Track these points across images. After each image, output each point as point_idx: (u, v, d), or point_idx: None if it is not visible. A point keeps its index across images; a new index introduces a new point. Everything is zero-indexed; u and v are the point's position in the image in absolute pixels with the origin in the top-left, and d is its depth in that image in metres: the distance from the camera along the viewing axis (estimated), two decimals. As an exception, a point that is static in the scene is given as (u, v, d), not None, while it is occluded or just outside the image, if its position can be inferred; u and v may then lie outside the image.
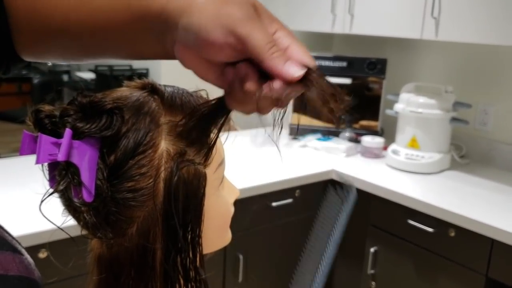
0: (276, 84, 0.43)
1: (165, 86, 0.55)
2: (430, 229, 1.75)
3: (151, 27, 0.45)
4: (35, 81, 5.23)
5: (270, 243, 2.02)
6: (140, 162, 0.49)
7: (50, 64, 6.12)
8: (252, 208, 1.88)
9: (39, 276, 0.44)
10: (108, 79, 3.82)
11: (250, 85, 0.44)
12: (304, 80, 0.43)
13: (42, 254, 1.34)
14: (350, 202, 0.50)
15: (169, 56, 0.47)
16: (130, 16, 0.45)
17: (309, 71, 0.43)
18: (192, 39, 0.43)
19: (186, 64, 0.46)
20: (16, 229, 1.29)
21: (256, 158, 2.14)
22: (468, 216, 1.64)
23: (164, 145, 0.50)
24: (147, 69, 3.74)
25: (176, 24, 0.43)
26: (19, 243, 0.45)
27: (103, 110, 0.48)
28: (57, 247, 1.32)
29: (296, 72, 0.42)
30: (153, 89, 0.53)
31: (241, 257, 1.89)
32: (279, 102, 0.44)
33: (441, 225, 1.72)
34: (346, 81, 2.38)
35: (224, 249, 1.86)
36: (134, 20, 0.45)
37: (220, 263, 1.87)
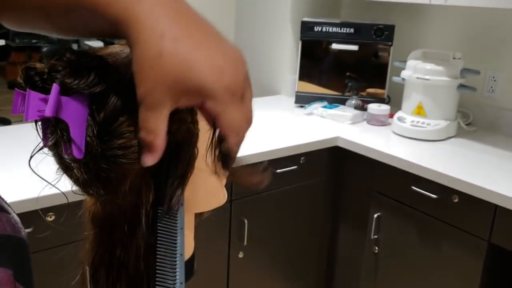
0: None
1: None
2: (433, 196, 1.76)
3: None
4: (44, 49, 5.24)
5: (274, 208, 2.04)
6: (130, 119, 0.48)
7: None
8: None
9: (26, 234, 0.45)
10: (116, 47, 3.81)
11: None
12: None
13: (49, 218, 1.37)
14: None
15: None
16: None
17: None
18: None
19: None
20: (25, 192, 1.32)
21: (262, 125, 2.14)
22: (472, 182, 1.64)
23: None
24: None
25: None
26: (5, 201, 0.46)
27: (92, 65, 0.47)
28: (66, 210, 1.35)
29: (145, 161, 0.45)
30: None
31: (246, 221, 1.91)
32: None
33: (445, 191, 1.72)
34: (353, 47, 2.36)
35: (230, 213, 1.89)
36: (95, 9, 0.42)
37: (225, 227, 1.90)
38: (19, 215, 0.47)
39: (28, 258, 0.44)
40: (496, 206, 1.60)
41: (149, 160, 0.45)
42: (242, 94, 0.44)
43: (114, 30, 0.42)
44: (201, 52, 0.41)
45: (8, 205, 0.46)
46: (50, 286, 1.38)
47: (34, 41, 6.24)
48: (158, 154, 0.45)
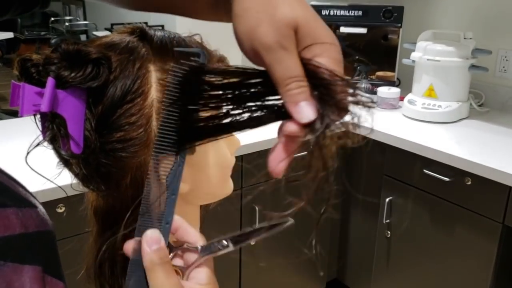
0: (288, 127, 0.41)
1: (155, 30, 0.53)
2: (446, 178, 1.73)
3: None
4: (53, 41, 5.25)
5: (286, 194, 2.03)
6: (128, 111, 0.47)
7: (67, 24, 6.12)
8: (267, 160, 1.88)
9: (51, 223, 0.46)
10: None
11: None
12: (315, 127, 0.39)
13: (60, 210, 1.37)
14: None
15: (223, 20, 0.46)
16: None
17: (323, 119, 0.39)
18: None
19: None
20: (36, 184, 1.32)
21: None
22: (485, 164, 1.61)
23: (155, 93, 0.48)
24: (162, 26, 3.72)
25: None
26: (31, 194, 0.46)
27: (89, 58, 0.45)
28: (75, 202, 1.36)
29: (304, 116, 0.39)
30: (142, 34, 0.51)
31: (257, 209, 1.91)
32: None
33: (457, 174, 1.70)
34: (362, 30, 2.33)
35: (240, 201, 1.88)
36: None
37: (237, 214, 1.90)
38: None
39: (55, 249, 0.46)
40: (510, 187, 1.57)
41: (305, 113, 0.40)
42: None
43: None
44: None
45: (34, 197, 0.47)
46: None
47: (43, 33, 6.27)
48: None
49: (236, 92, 0.42)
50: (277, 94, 0.41)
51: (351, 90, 0.40)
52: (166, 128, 0.42)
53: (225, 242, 0.45)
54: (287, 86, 0.39)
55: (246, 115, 0.43)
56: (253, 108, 0.43)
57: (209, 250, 0.45)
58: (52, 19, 6.33)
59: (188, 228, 0.47)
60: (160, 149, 0.43)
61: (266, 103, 0.42)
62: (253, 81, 0.42)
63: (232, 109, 0.43)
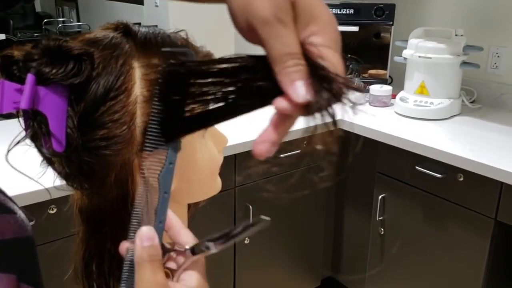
0: (280, 102, 0.39)
1: (139, 26, 0.53)
2: (438, 175, 1.74)
3: None
4: (46, 42, 5.22)
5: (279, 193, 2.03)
6: (112, 108, 0.47)
7: (60, 25, 6.10)
8: (261, 160, 1.88)
9: (31, 228, 0.45)
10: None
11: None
12: (309, 108, 0.38)
13: (51, 211, 1.36)
14: None
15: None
16: None
17: (318, 99, 0.38)
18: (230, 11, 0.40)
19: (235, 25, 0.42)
20: (27, 185, 1.32)
21: (263, 111, 2.12)
22: (477, 160, 1.62)
23: (138, 90, 0.48)
24: (156, 26, 3.72)
25: None
26: (11, 199, 0.45)
27: (71, 54, 0.45)
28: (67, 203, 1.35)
29: (300, 95, 0.38)
30: (126, 30, 0.51)
31: (250, 207, 1.91)
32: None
33: (449, 170, 1.71)
34: (354, 28, 2.32)
35: (234, 200, 1.88)
36: None
37: (230, 213, 1.90)
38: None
39: (34, 254, 0.45)
40: (502, 183, 1.58)
41: (300, 93, 0.38)
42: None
43: None
44: None
45: (14, 202, 0.45)
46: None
47: (36, 34, 6.23)
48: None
49: (222, 79, 0.40)
50: (263, 78, 0.40)
51: (346, 82, 0.39)
52: (154, 124, 0.41)
53: (208, 244, 0.44)
54: (284, 63, 0.37)
55: (234, 100, 0.41)
56: (241, 92, 0.41)
57: (194, 252, 0.45)
58: (45, 20, 6.30)
59: (180, 229, 0.46)
60: (150, 145, 0.42)
61: (255, 85, 0.40)
62: (237, 64, 0.40)
63: (220, 96, 0.41)
